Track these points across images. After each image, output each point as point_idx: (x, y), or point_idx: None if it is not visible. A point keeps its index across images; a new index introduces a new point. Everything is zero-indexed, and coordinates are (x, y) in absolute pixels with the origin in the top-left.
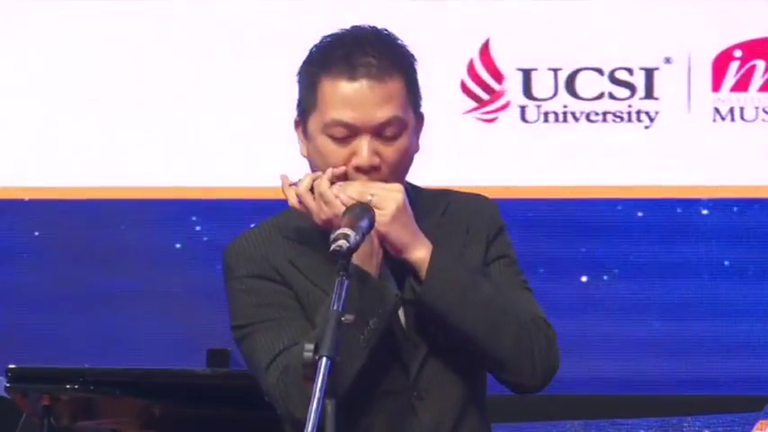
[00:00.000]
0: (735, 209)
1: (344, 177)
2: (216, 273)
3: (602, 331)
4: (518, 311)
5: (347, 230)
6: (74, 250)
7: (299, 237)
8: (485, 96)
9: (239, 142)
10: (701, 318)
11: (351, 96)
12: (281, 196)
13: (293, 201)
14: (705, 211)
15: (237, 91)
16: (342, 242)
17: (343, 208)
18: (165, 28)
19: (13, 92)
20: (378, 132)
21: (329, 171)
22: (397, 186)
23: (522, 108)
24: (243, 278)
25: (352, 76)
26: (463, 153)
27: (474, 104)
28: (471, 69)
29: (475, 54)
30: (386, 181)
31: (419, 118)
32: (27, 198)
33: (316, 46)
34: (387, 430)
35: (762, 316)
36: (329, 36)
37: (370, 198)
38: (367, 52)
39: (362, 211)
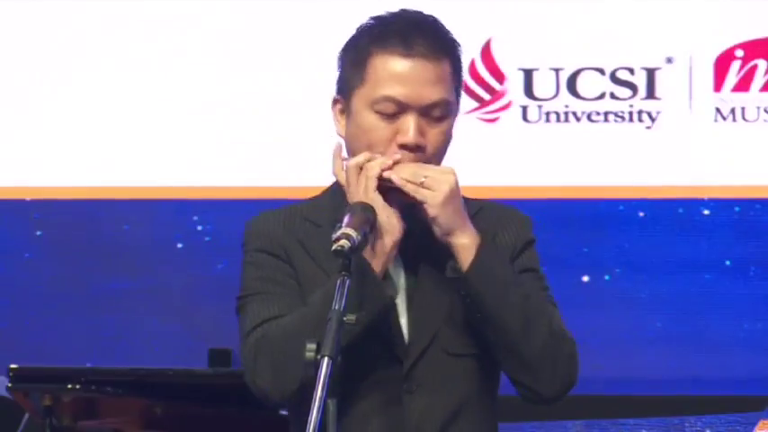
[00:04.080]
0: (736, 209)
1: (382, 148)
2: (218, 272)
3: (603, 331)
4: (550, 318)
5: (349, 230)
6: (76, 250)
7: (318, 220)
8: (486, 96)
9: (241, 142)
10: (702, 317)
11: (404, 73)
12: (283, 196)
13: (338, 169)
14: (707, 211)
15: (238, 91)
16: (344, 242)
17: (378, 200)
18: (165, 28)
19: (15, 92)
20: (425, 112)
21: (384, 160)
22: (451, 169)
23: (524, 108)
24: (251, 252)
25: (408, 53)
26: (464, 153)
27: (475, 104)
28: (473, 69)
29: (476, 54)
30: (428, 162)
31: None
32: (29, 198)
33: (365, 25)
34: (376, 420)
35: (763, 315)
36: (377, 17)
37: (423, 179)
38: (424, 32)
39: (364, 210)
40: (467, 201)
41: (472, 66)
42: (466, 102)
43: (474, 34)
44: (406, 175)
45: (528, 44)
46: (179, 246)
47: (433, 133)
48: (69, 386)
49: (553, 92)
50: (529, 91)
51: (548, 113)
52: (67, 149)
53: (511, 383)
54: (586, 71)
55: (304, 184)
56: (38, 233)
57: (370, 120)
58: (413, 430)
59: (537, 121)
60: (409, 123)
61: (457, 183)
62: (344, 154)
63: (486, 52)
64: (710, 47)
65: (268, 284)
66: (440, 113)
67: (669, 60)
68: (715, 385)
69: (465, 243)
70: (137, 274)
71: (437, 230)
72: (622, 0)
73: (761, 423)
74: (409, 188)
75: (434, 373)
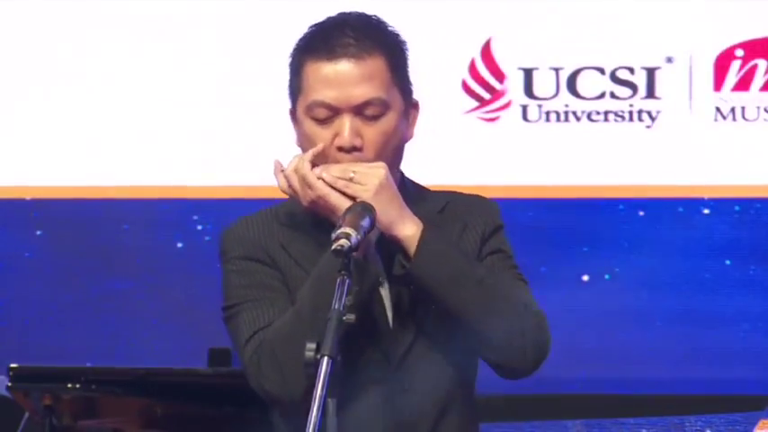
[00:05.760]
0: (736, 208)
1: (324, 156)
2: (218, 272)
3: (603, 330)
4: (509, 295)
5: (349, 230)
6: (76, 249)
7: (294, 223)
8: (486, 96)
9: (240, 142)
10: (702, 316)
11: (330, 76)
12: (282, 195)
13: (282, 184)
14: (707, 211)
15: (238, 91)
16: (343, 241)
17: (326, 189)
18: (165, 27)
19: (15, 92)
20: (359, 112)
21: (309, 152)
22: (380, 164)
23: (524, 107)
24: (235, 260)
25: (331, 57)
26: (464, 152)
27: (475, 104)
28: (473, 69)
29: (476, 53)
30: (369, 162)
31: (411, 104)
32: (29, 197)
33: (303, 34)
34: (369, 420)
35: (763, 315)
36: (315, 24)
37: (352, 175)
38: (346, 33)
39: (364, 209)
40: (434, 193)
41: (472, 65)
42: (466, 101)
43: (474, 34)
44: (335, 172)
45: (528, 44)
46: (179, 246)
47: (371, 132)
48: (69, 386)
49: (553, 91)
50: (529, 90)
51: (548, 113)
52: (67, 149)
53: (488, 365)
54: (586, 71)
55: None
56: (38, 233)
57: (309, 126)
58: (408, 428)
59: (537, 121)
60: (343, 125)
61: (387, 176)
62: (284, 166)
63: (486, 52)
64: (710, 47)
65: (257, 291)
66: (374, 112)
67: (669, 60)
68: (715, 385)
69: (407, 234)
70: (137, 274)
71: (378, 225)
72: (622, 0)
73: (761, 423)
74: (339, 184)
75: (422, 369)
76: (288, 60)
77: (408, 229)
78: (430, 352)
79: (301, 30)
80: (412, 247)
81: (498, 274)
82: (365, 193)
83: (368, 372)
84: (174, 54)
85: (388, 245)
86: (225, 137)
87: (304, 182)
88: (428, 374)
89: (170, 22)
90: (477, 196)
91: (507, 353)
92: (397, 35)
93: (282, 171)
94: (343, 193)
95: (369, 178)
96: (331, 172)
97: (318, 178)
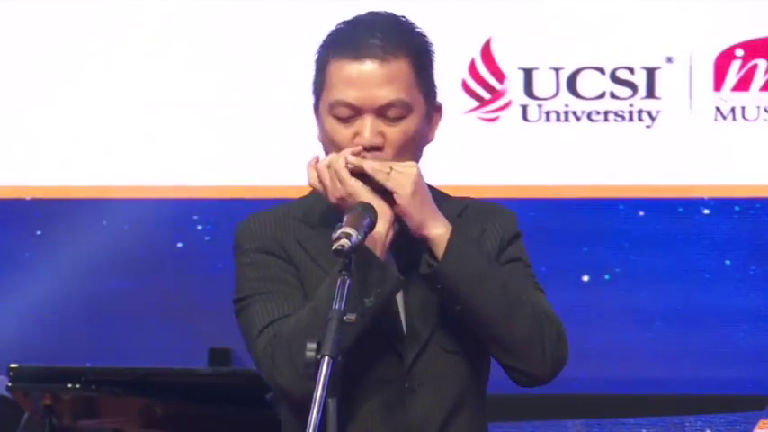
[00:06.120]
0: (736, 208)
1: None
2: (218, 271)
3: (603, 330)
4: (531, 301)
5: (349, 230)
6: (75, 249)
7: (311, 219)
8: (486, 96)
9: (241, 142)
10: (702, 316)
11: (354, 76)
12: (283, 195)
13: (313, 177)
14: (707, 211)
15: (238, 91)
16: (344, 241)
17: (357, 187)
18: (166, 27)
19: (15, 92)
20: (381, 113)
21: (347, 150)
22: (412, 163)
23: (524, 107)
24: (249, 252)
25: (356, 57)
26: (464, 152)
27: (475, 104)
28: (473, 69)
29: (476, 53)
30: (388, 161)
31: (434, 107)
32: (29, 197)
33: (329, 31)
34: (378, 419)
35: (763, 314)
36: (340, 22)
37: (389, 171)
38: (373, 34)
39: (364, 209)
40: (452, 199)
41: (472, 65)
42: (466, 101)
43: (474, 34)
44: (374, 164)
45: (528, 44)
46: (179, 245)
47: (392, 132)
48: (69, 386)
49: (553, 91)
50: (529, 90)
51: (548, 113)
52: (67, 149)
53: (504, 370)
54: (586, 71)
55: (304, 183)
56: (38, 233)
57: (330, 124)
58: (416, 429)
59: (537, 121)
60: (364, 125)
61: (420, 175)
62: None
63: (486, 52)
64: (710, 47)
65: (271, 284)
66: (396, 114)
67: (669, 60)
68: (715, 385)
69: (438, 233)
70: (137, 273)
71: (409, 224)
72: (622, 0)
73: (761, 423)
74: (380, 176)
75: (434, 370)
76: (314, 56)
77: (438, 229)
78: (444, 352)
79: (301, 30)
80: (440, 246)
81: (519, 279)
82: (402, 190)
83: (381, 371)
84: (174, 54)
85: (404, 246)
86: (224, 137)
87: (336, 177)
88: (440, 375)
89: (170, 23)
90: (496, 204)
91: (527, 358)
92: (425, 37)
93: (315, 165)
94: (379, 187)
95: (404, 177)
96: (369, 164)
97: (356, 168)
